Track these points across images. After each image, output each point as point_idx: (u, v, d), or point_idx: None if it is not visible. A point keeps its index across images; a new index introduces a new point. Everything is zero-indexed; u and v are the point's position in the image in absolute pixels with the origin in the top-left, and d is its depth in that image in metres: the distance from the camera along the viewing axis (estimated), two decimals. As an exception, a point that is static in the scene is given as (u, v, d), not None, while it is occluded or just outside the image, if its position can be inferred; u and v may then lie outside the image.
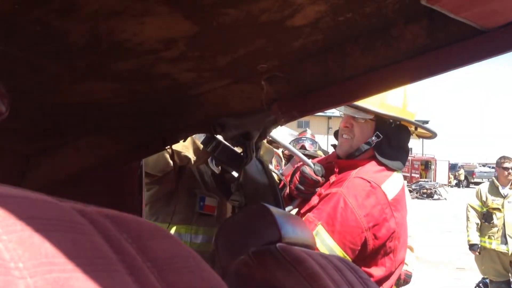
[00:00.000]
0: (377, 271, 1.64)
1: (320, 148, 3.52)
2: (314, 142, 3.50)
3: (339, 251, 1.54)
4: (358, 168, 1.69)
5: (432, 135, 1.86)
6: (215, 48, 0.90)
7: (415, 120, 1.80)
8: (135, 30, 0.76)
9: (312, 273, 0.73)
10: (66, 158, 1.34)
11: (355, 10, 0.76)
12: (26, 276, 0.23)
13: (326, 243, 1.54)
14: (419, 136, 1.90)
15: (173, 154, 1.56)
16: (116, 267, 0.27)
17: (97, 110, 1.15)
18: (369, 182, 1.64)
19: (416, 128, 1.80)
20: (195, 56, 0.91)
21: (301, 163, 1.78)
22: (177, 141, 1.39)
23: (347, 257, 1.55)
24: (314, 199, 1.69)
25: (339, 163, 1.74)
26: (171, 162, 1.84)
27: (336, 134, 1.87)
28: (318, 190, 1.72)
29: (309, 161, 1.75)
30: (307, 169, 1.69)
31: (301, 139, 3.43)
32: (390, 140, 1.71)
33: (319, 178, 1.69)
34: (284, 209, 1.29)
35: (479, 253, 5.09)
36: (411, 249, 3.39)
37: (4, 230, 0.24)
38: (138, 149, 1.35)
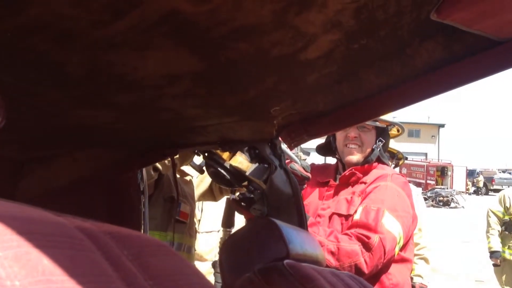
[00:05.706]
0: (410, 255, 1.98)
1: (301, 150, 3.49)
2: None
3: (402, 235, 1.83)
4: (380, 168, 2.05)
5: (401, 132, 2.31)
6: (223, 87, 0.87)
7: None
8: (136, 64, 0.74)
9: (321, 290, 0.72)
10: (62, 167, 1.35)
11: (369, 35, 0.75)
12: (23, 295, 0.23)
13: (392, 225, 1.80)
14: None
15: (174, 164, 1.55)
16: (116, 285, 0.27)
17: (97, 130, 1.15)
18: (403, 176, 2.12)
19: (398, 131, 2.27)
20: (202, 93, 0.89)
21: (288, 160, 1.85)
22: (177, 154, 1.40)
23: (402, 240, 1.83)
24: (355, 199, 1.94)
25: (359, 169, 2.05)
26: (159, 166, 1.85)
27: (323, 148, 2.24)
28: (359, 189, 1.98)
29: (296, 157, 1.83)
30: (296, 166, 1.76)
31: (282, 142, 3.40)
32: (385, 144, 2.13)
33: (309, 174, 1.80)
34: (306, 222, 1.26)
35: (500, 263, 5.03)
36: (427, 260, 3.36)
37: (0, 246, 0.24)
38: (137, 159, 1.36)
